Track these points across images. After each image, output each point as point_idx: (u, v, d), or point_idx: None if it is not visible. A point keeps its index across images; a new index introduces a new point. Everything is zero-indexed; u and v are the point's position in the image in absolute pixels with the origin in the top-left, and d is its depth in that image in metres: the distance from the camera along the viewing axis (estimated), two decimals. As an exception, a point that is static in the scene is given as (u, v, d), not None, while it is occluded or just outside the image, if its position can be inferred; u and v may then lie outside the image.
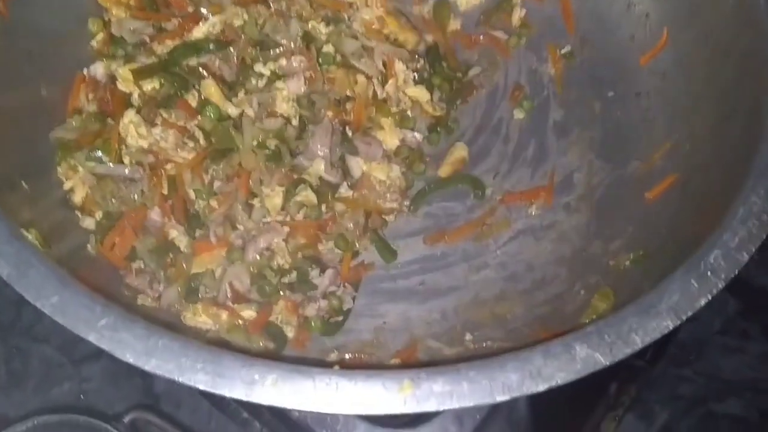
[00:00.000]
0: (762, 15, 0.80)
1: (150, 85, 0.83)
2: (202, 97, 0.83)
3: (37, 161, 0.80)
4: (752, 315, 0.98)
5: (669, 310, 0.61)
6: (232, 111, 0.83)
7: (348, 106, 0.87)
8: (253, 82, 0.84)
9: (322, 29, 0.90)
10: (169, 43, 0.88)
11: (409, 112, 0.93)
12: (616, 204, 0.90)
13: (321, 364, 0.66)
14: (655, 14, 0.95)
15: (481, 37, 1.04)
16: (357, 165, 0.85)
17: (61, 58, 0.88)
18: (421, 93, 0.93)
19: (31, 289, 0.59)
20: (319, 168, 0.83)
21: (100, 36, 0.91)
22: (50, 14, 0.87)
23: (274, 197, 0.81)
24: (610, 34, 0.99)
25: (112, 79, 0.86)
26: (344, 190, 0.86)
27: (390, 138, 0.88)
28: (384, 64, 0.91)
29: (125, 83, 0.84)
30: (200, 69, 0.84)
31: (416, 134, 0.92)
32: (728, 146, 0.80)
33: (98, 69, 0.87)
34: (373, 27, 0.94)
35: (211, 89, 0.82)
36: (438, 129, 0.96)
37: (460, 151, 0.95)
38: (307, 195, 0.81)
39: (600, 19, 1.00)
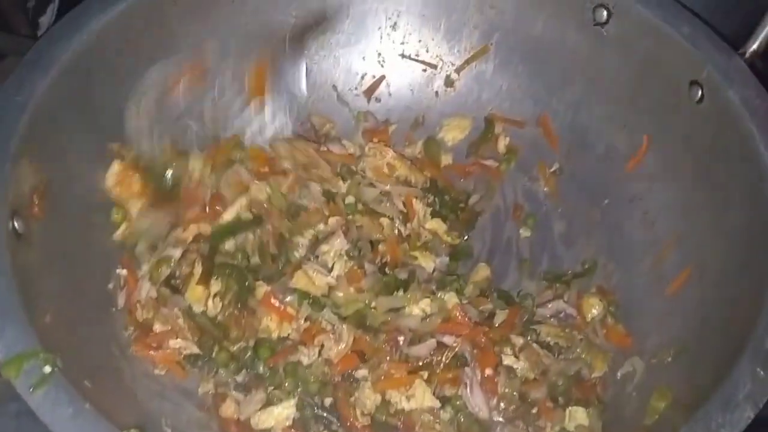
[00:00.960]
0: (738, 111, 0.88)
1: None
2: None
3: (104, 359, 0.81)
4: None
5: (747, 400, 0.65)
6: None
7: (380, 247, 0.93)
8: (296, 254, 0.88)
9: (340, 185, 0.96)
10: (194, 229, 0.91)
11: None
12: (639, 303, 0.95)
13: None
14: (632, 124, 1.03)
15: (473, 167, 1.12)
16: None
17: (96, 250, 0.91)
18: (438, 225, 0.99)
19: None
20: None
21: (124, 227, 0.94)
22: (78, 210, 0.90)
23: None
24: (592, 148, 1.07)
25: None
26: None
27: (427, 263, 0.93)
28: (403, 204, 0.97)
29: (196, 302, 0.87)
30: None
31: (445, 257, 0.98)
32: (736, 232, 0.87)
33: (144, 289, 0.90)
34: (384, 172, 1.00)
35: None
36: (457, 256, 1.01)
37: (483, 272, 1.00)
38: None
39: (580, 134, 1.08)
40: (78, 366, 0.73)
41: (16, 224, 0.78)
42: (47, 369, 0.65)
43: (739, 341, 0.73)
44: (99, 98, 0.94)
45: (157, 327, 0.90)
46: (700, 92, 0.92)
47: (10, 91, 0.84)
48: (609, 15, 1.00)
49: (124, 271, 0.93)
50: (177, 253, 0.91)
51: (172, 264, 0.91)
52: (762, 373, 0.67)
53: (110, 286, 0.92)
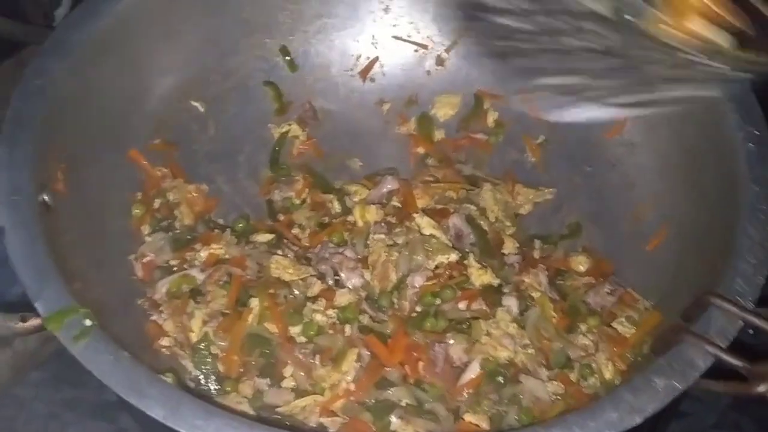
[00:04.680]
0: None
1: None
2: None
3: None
4: (744, 408, 1.05)
5: (718, 334, 0.73)
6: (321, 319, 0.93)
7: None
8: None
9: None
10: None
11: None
12: (621, 261, 1.03)
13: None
14: (612, 98, 1.10)
15: (464, 140, 1.19)
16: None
17: (116, 223, 0.99)
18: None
19: (186, 424, 0.66)
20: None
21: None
22: (98, 187, 0.97)
23: None
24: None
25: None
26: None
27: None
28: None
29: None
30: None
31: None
32: (707, 191, 0.95)
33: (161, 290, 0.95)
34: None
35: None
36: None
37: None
38: None
39: (563, 107, 1.15)
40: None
41: (45, 197, 0.84)
42: (88, 322, 0.71)
43: (708, 285, 0.81)
44: (114, 81, 1.01)
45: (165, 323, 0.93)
46: (673, 64, 1.00)
47: (31, 75, 0.91)
48: (587, -3, 1.07)
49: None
50: (200, 276, 0.95)
51: (196, 283, 0.95)
52: (730, 309, 0.74)
53: (131, 257, 0.98)
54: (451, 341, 0.90)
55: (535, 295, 0.94)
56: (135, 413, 0.92)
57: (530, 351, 0.89)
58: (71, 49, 0.94)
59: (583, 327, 0.93)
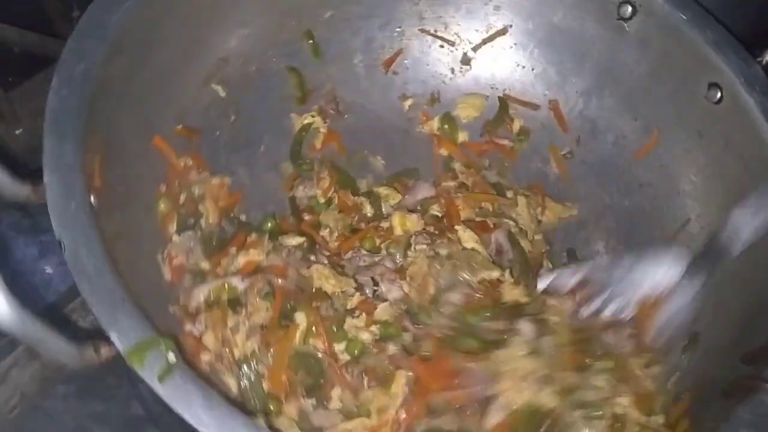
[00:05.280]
0: (756, 116, 0.95)
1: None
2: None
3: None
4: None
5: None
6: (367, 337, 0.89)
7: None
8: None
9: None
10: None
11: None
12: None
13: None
14: (643, 116, 1.10)
15: (488, 145, 1.16)
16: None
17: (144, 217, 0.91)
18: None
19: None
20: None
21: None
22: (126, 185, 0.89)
23: None
24: (602, 134, 1.13)
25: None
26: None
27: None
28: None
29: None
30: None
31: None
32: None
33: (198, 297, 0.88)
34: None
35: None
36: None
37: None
38: None
39: (591, 121, 1.14)
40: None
41: (92, 198, 0.76)
42: (171, 357, 0.65)
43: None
44: (143, 63, 0.91)
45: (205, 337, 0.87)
46: (719, 94, 0.99)
47: (72, 60, 0.81)
48: (634, 11, 1.05)
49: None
50: (241, 285, 0.89)
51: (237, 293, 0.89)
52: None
53: (158, 257, 0.91)
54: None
55: (554, 319, 0.93)
56: (162, 427, 0.88)
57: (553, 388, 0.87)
58: (108, 30, 0.85)
59: (598, 365, 0.90)
